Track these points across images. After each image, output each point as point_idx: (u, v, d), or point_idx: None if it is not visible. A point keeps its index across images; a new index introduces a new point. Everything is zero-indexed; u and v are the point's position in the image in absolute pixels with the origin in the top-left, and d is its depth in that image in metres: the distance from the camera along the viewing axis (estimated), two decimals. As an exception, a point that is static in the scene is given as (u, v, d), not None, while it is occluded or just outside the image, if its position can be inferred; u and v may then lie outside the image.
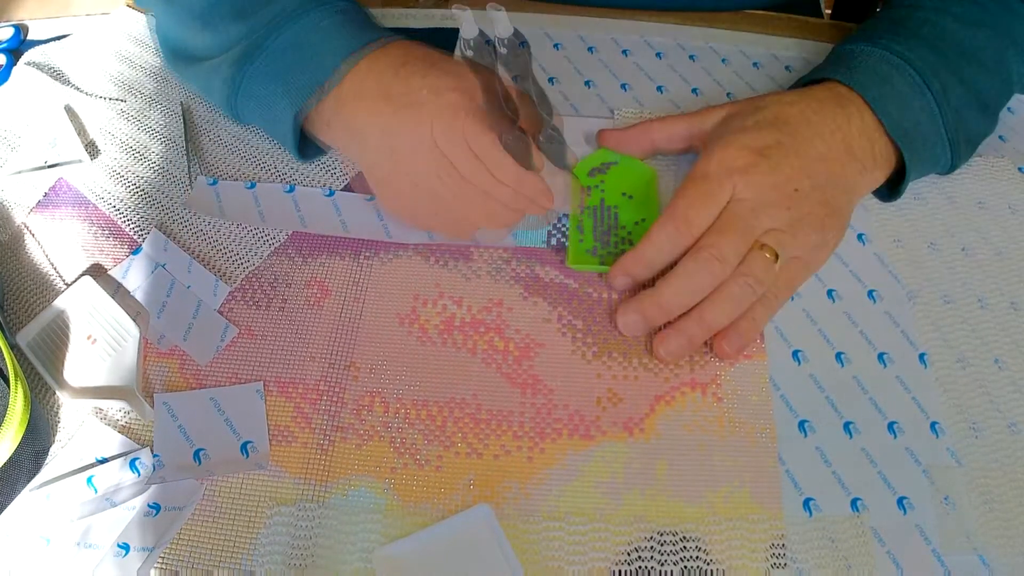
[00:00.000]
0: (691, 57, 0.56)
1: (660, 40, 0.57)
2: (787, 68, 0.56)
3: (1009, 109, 0.53)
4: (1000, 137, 0.52)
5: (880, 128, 0.44)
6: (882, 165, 0.45)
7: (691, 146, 0.48)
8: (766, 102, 0.45)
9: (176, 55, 0.50)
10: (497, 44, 0.39)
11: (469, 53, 0.39)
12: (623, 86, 0.54)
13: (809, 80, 0.47)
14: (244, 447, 0.39)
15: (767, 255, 0.40)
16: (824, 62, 0.49)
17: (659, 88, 0.54)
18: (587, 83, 0.55)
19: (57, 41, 0.58)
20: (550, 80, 0.55)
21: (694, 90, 0.54)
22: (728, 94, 0.54)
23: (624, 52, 0.56)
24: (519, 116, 0.42)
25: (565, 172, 0.47)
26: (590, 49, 0.57)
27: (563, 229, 0.47)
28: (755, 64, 0.56)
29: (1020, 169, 0.50)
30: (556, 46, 0.57)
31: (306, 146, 0.48)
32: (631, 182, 0.48)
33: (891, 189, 0.47)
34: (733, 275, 0.40)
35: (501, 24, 0.38)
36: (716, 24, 0.58)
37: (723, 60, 0.56)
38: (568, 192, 0.47)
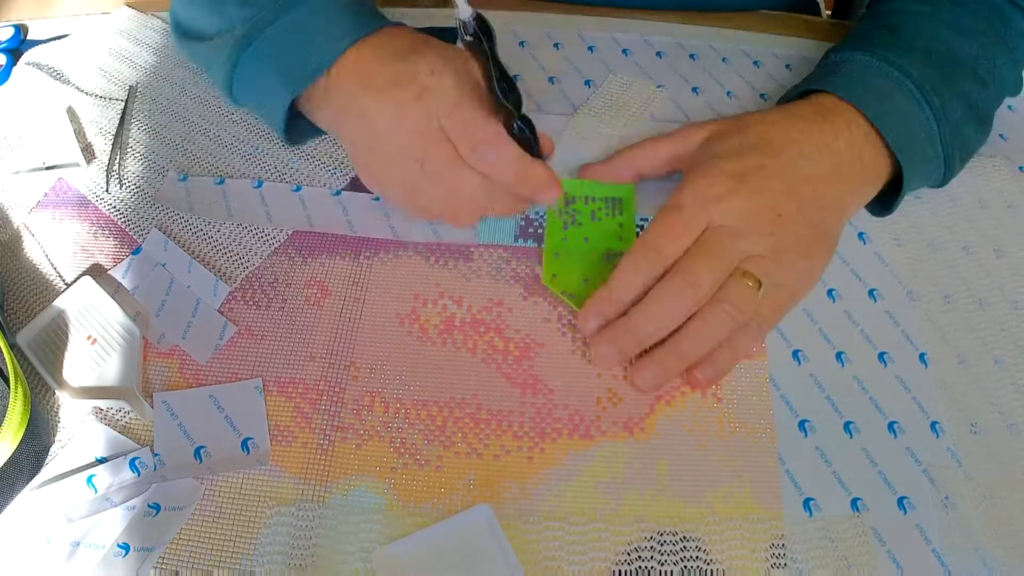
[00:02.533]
0: (691, 56, 0.56)
1: (660, 40, 0.57)
2: (787, 67, 0.56)
3: (1009, 107, 0.53)
4: (1000, 136, 0.52)
5: (870, 140, 0.43)
6: (872, 179, 0.44)
7: (675, 168, 0.47)
8: (748, 122, 0.44)
9: (183, 31, 0.50)
10: (460, 29, 0.39)
11: (468, 38, 0.39)
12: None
13: (802, 91, 0.46)
14: (244, 443, 0.39)
15: (749, 283, 0.39)
16: (816, 72, 0.48)
17: (659, 87, 0.54)
18: (587, 83, 0.54)
19: (57, 41, 0.58)
20: (550, 79, 0.55)
21: (694, 89, 0.54)
22: (728, 92, 0.54)
23: (624, 52, 0.56)
24: (521, 103, 0.41)
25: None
26: (590, 49, 0.57)
27: (533, 231, 0.47)
28: (756, 63, 0.56)
29: (1020, 168, 0.50)
30: (556, 46, 0.57)
31: (293, 130, 0.47)
32: (606, 206, 0.47)
33: (883, 204, 0.46)
34: (710, 302, 0.39)
35: (461, 7, 0.38)
36: (716, 23, 0.58)
37: (724, 59, 0.56)
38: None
